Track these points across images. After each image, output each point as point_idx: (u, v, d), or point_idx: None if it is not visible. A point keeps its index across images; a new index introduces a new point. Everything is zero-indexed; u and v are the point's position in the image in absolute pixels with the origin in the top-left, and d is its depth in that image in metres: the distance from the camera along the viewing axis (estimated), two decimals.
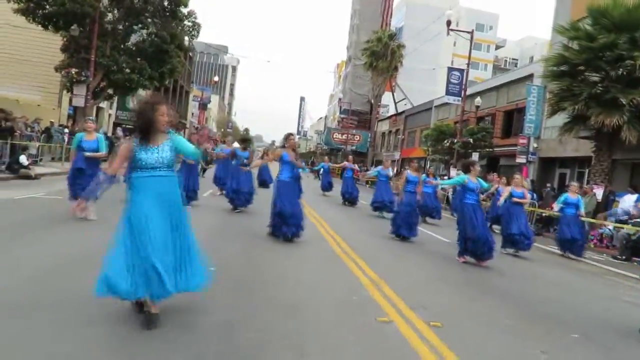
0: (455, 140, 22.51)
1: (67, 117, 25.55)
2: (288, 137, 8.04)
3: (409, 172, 10.17)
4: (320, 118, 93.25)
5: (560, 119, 21.59)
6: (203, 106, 58.57)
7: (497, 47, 63.30)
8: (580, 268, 9.48)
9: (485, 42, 60.99)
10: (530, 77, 24.54)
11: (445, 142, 23.77)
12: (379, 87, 40.03)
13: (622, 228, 12.08)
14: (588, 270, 9.31)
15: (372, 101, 48.48)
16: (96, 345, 3.06)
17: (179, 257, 3.47)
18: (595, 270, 9.38)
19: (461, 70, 24.23)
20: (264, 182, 14.62)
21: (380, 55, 39.39)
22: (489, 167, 25.74)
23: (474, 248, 7.63)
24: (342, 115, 54.37)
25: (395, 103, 48.36)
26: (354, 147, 49.81)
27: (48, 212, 7.99)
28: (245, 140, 12.46)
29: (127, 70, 20.95)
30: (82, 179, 7.25)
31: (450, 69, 25.30)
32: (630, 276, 8.94)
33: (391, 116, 47.32)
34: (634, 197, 13.02)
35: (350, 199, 16.00)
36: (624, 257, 11.26)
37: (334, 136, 51.53)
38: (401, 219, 9.41)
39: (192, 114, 53.59)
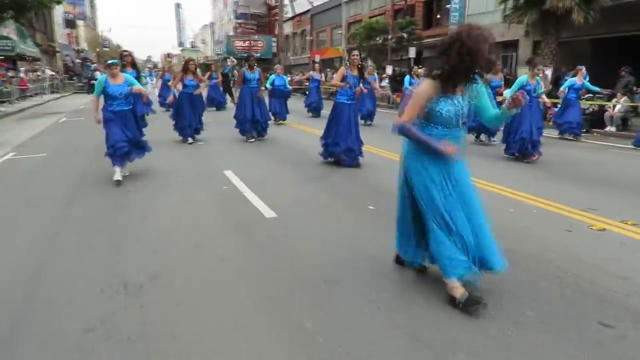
0: (390, 37, 22.20)
1: None
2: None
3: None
4: (205, 25, 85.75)
5: (487, 5, 22.26)
6: (70, 24, 50.32)
7: None
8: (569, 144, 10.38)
9: None
10: None
11: (378, 39, 23.34)
12: None
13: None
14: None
15: (273, 1, 45.41)
16: None
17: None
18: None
19: None
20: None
21: None
22: (416, 60, 26.19)
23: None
24: (239, 20, 50.51)
25: (292, 1, 45.87)
26: (258, 54, 47.22)
27: None
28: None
29: None
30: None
31: None
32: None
33: (295, 16, 45.03)
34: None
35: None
36: (584, 130, 12.51)
37: (235, 44, 48.10)
38: None
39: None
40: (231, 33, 52.68)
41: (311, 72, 15.70)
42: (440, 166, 2.87)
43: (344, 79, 7.10)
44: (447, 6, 23.97)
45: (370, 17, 29.60)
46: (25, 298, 3.11)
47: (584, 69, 10.65)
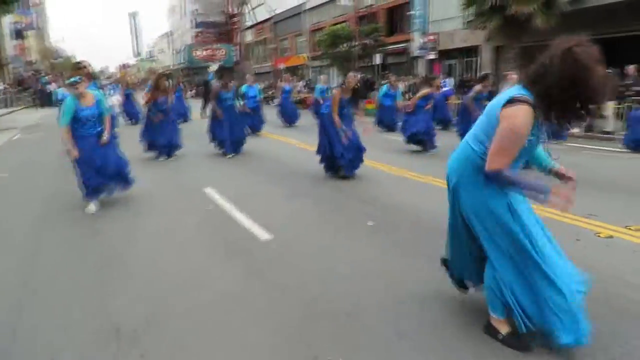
0: (356, 43, 22.18)
1: None
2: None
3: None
4: (163, 34, 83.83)
5: (448, 11, 22.62)
6: (19, 34, 47.85)
7: None
8: None
9: None
10: None
11: (343, 46, 23.29)
12: None
13: None
14: None
15: (231, 10, 44.88)
16: None
17: None
18: None
19: None
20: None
21: None
22: (382, 67, 26.29)
23: None
24: (199, 29, 49.54)
25: (252, 9, 45.43)
26: (220, 63, 46.48)
27: None
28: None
29: None
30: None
31: None
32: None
33: (256, 24, 44.58)
34: None
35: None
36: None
37: (196, 53, 47.17)
38: None
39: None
40: (190, 42, 51.66)
41: (281, 82, 15.40)
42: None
43: (340, 102, 6.84)
44: (409, 13, 24.27)
45: (334, 25, 29.62)
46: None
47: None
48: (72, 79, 5.25)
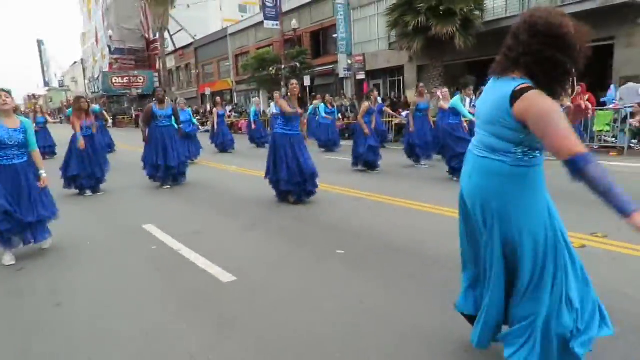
0: (283, 67, 22.04)
1: None
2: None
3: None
4: (75, 62, 78.97)
5: (371, 34, 23.28)
6: None
7: None
8: None
9: None
10: None
11: (271, 69, 23.05)
12: (161, 19, 35.48)
13: None
14: None
15: (151, 35, 43.27)
16: None
17: None
18: None
19: None
20: None
21: None
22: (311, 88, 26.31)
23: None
24: (115, 56, 47.12)
25: (171, 36, 44.11)
26: (139, 91, 44.44)
27: None
28: None
29: None
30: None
31: None
32: None
33: (177, 50, 43.26)
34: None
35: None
36: None
37: (114, 81, 44.66)
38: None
39: None
40: (107, 69, 48.99)
41: (217, 107, 14.71)
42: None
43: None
44: (334, 35, 24.65)
45: (258, 49, 29.39)
46: None
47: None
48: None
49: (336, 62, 25.12)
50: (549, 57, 1.86)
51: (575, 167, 1.78)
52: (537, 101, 1.85)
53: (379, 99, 17.75)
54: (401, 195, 6.84)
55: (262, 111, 16.01)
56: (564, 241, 2.09)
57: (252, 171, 9.99)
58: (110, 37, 42.06)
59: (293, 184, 6.46)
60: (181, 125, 8.94)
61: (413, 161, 10.04)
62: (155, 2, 34.11)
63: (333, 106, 13.01)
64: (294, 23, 22.53)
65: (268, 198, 6.90)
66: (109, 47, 47.43)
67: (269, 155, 6.70)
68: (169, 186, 8.34)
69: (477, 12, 15.37)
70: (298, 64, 22.59)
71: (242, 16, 50.63)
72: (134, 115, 35.91)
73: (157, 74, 44.93)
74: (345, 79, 24.68)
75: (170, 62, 43.96)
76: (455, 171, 7.86)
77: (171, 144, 8.17)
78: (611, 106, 12.27)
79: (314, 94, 22.85)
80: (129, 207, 7.03)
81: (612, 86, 13.14)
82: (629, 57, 14.35)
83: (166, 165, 8.13)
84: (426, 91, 10.22)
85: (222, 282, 3.80)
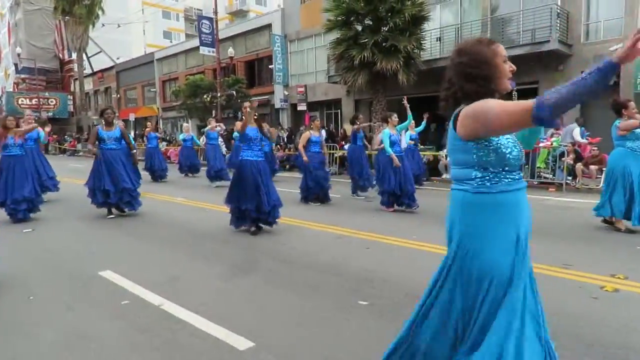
0: (219, 94, 21.12)
1: None
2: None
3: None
4: None
5: (307, 66, 23.26)
6: None
7: None
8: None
9: None
10: (268, 27, 25.01)
11: (206, 96, 21.99)
12: (80, 39, 32.90)
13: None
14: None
15: (66, 55, 40.05)
16: None
17: None
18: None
19: (210, 19, 22.33)
20: None
21: None
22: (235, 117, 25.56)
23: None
24: (23, 75, 42.80)
25: (89, 57, 41.25)
26: (50, 114, 40.52)
27: None
28: None
29: None
30: None
31: (201, 18, 22.90)
32: None
33: (96, 73, 40.34)
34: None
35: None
36: (424, 179, 13.39)
37: (20, 102, 40.31)
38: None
39: None
40: (11, 89, 44.32)
41: (147, 130, 13.48)
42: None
43: (244, 134, 6.05)
44: (270, 66, 24.33)
45: (189, 75, 28.19)
46: None
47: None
48: None
49: (271, 92, 24.76)
50: (469, 74, 1.84)
51: (544, 114, 1.55)
52: (469, 107, 1.79)
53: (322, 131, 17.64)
54: (377, 230, 6.35)
55: (193, 138, 14.91)
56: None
57: (201, 203, 9.07)
58: (19, 54, 38.14)
59: (261, 212, 5.93)
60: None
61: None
62: (73, 21, 31.62)
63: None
64: (231, 51, 21.84)
65: (229, 231, 6.21)
66: (16, 65, 43.08)
67: (234, 182, 6.27)
68: (113, 215, 7.17)
69: (417, 51, 15.83)
70: (234, 93, 21.81)
71: (169, 42, 49.06)
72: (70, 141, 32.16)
73: (71, 97, 41.45)
74: (281, 109, 24.30)
75: (88, 85, 40.87)
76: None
77: (120, 167, 7.11)
78: (542, 144, 13.01)
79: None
80: (73, 248, 5.79)
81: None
82: None
83: (117, 190, 7.04)
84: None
85: (240, 350, 2.96)
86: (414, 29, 15.67)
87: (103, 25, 35.70)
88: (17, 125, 7.04)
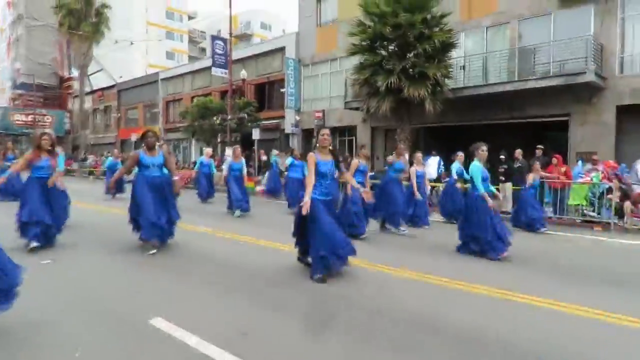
0: (229, 117, 20.65)
1: None
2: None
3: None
4: None
5: (324, 91, 22.95)
6: None
7: (190, 18, 62.07)
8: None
9: (178, 12, 58.76)
10: (281, 50, 24.82)
11: (215, 118, 21.51)
12: (84, 56, 32.63)
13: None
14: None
15: (66, 72, 39.77)
16: None
17: None
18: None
19: (224, 40, 22.08)
20: None
21: (81, 15, 31.97)
22: (245, 143, 25.06)
23: None
24: (19, 91, 42.38)
25: (89, 76, 41.00)
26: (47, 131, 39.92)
27: None
28: None
29: None
30: None
31: (215, 38, 22.65)
32: None
33: (95, 91, 39.97)
34: (436, 159, 15.03)
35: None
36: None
37: (14, 118, 39.74)
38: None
39: None
40: (6, 104, 43.80)
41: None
42: None
43: (316, 167, 5.24)
44: (282, 90, 23.97)
45: (195, 97, 27.84)
46: None
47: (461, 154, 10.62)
48: None
49: (281, 117, 24.36)
50: None
51: None
52: None
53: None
54: (453, 275, 5.69)
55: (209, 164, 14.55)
56: None
57: (229, 233, 8.40)
58: (18, 69, 37.78)
59: (338, 256, 5.15)
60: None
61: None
62: (78, 38, 31.40)
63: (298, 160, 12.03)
64: (244, 73, 21.52)
65: (282, 270, 5.55)
66: (13, 80, 42.69)
67: (299, 221, 5.41)
68: (154, 251, 6.44)
69: (444, 79, 15.51)
70: (246, 115, 21.37)
71: (172, 63, 49.10)
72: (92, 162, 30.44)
73: (68, 115, 40.95)
74: (291, 135, 23.85)
75: (87, 103, 40.44)
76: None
77: (169, 196, 6.46)
78: (581, 180, 12.47)
79: (253, 147, 21.72)
80: (109, 286, 5.06)
81: (579, 161, 13.55)
82: (583, 134, 15.14)
83: (167, 221, 6.43)
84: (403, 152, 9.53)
85: None
86: (442, 56, 15.41)
87: (116, 41, 35.56)
88: (53, 146, 6.46)
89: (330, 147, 5.37)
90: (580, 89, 14.49)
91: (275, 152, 17.88)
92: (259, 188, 17.40)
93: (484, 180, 6.82)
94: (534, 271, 6.14)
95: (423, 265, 6.15)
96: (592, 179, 12.12)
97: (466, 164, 8.40)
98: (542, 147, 13.20)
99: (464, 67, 17.08)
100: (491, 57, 16.78)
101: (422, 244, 8.04)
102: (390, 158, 9.15)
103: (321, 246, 5.03)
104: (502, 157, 13.30)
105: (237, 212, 10.96)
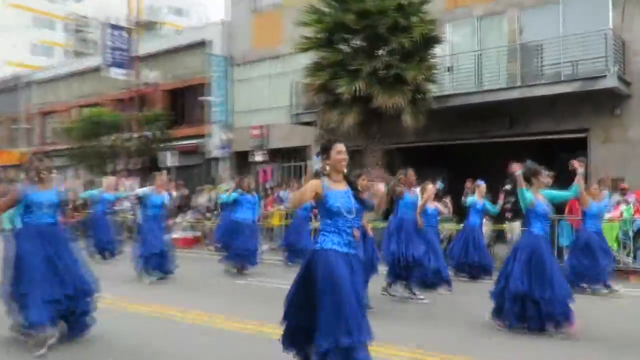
0: (135, 135, 20.16)
1: None
2: None
3: None
4: None
5: (264, 100, 22.96)
6: None
7: None
8: None
9: None
10: (203, 44, 24.71)
11: (113, 138, 20.93)
12: None
13: None
14: None
15: None
16: None
17: None
18: None
19: (123, 29, 21.62)
20: None
21: None
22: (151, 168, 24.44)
23: None
24: None
25: None
26: None
27: None
28: None
29: None
30: None
31: (108, 27, 22.04)
32: None
33: None
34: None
35: None
36: None
37: None
38: None
39: None
40: None
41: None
42: None
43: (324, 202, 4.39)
44: (204, 98, 23.56)
45: (81, 107, 27.13)
46: None
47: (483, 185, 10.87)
48: None
49: (202, 135, 24.04)
50: None
51: None
52: None
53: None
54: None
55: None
56: None
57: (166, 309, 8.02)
58: None
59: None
60: None
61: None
62: None
63: (253, 194, 11.83)
64: (155, 75, 21.22)
65: None
66: None
67: (297, 289, 4.40)
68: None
69: (427, 83, 15.90)
70: (152, 134, 20.94)
71: (44, 60, 47.70)
72: None
73: None
74: (219, 159, 23.54)
75: None
76: None
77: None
78: (608, 216, 12.88)
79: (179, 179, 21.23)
80: None
81: (605, 191, 14.07)
82: (606, 154, 15.65)
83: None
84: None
85: None
86: (423, 53, 15.85)
87: None
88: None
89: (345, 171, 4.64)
90: (599, 97, 15.16)
91: (224, 185, 17.11)
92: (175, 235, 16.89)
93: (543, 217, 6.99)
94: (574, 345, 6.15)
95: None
96: (621, 214, 12.61)
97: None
98: (553, 172, 13.60)
99: (450, 68, 17.60)
100: (485, 56, 17.36)
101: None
102: (397, 189, 8.97)
103: (339, 332, 3.99)
104: (506, 187, 13.59)
105: (152, 276, 10.30)
